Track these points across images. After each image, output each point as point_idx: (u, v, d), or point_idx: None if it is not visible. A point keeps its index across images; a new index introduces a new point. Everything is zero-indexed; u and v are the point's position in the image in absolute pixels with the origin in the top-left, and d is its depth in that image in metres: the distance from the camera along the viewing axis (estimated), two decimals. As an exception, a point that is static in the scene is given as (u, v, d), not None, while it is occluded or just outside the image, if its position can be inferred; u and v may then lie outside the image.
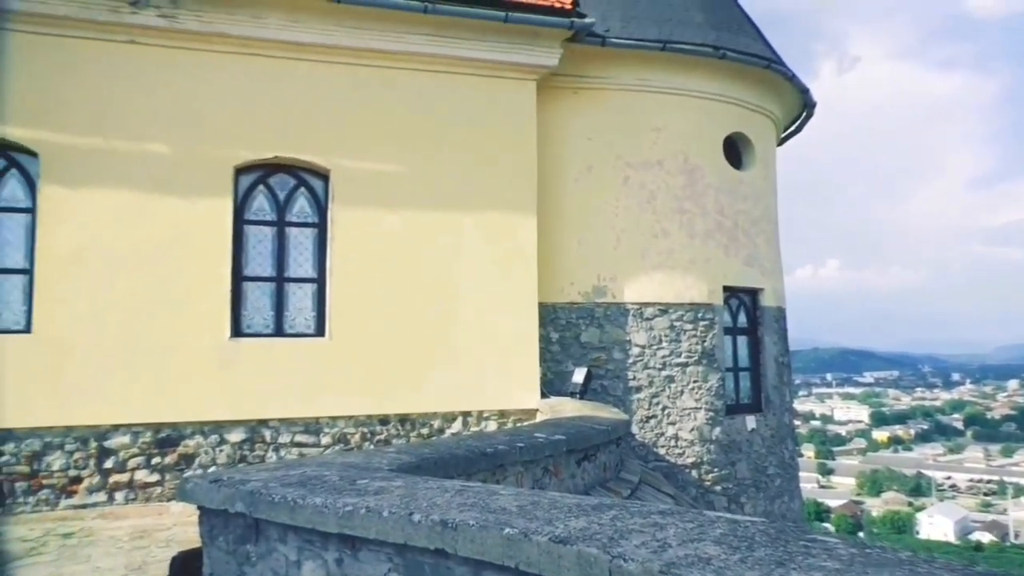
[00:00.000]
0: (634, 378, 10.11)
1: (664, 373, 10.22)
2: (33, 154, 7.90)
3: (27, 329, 7.71)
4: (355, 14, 8.64)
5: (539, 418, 8.67)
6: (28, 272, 7.82)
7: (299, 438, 8.31)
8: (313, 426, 8.37)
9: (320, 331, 8.60)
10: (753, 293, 11.39)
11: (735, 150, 11.44)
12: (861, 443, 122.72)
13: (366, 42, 8.82)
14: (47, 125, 7.89)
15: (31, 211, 7.91)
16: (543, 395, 9.21)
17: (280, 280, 8.61)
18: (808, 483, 77.46)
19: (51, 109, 7.91)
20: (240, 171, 8.49)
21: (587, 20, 9.37)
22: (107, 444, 7.70)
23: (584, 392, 9.24)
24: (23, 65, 7.90)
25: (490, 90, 9.29)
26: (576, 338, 10.01)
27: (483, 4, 8.90)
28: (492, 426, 8.95)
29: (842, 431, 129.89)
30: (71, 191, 7.86)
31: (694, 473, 10.22)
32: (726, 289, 10.89)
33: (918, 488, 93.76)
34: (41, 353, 7.61)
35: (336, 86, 8.78)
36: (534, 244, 9.24)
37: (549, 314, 9.91)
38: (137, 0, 8.12)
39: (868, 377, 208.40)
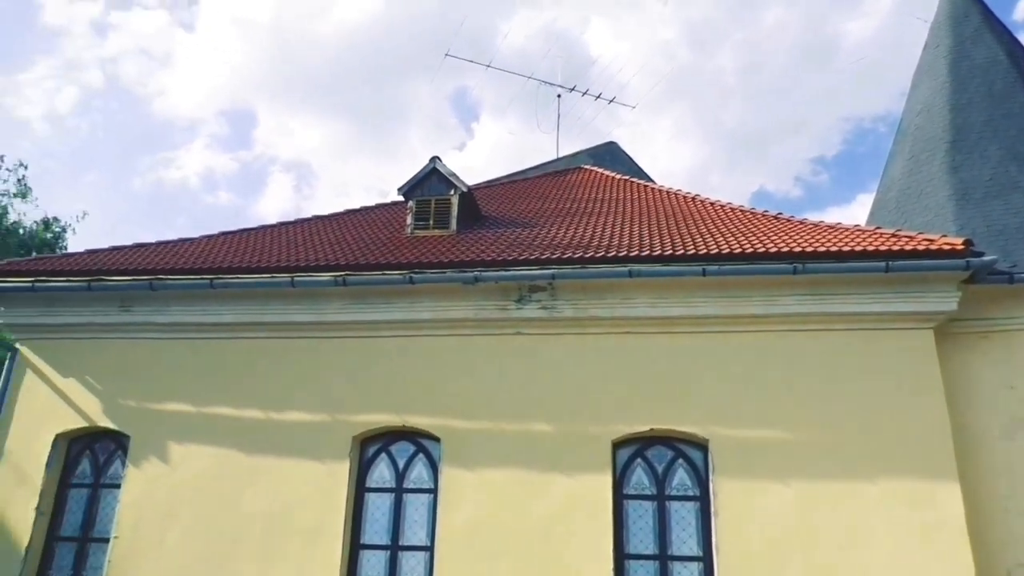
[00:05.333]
0: None
1: None
2: (436, 439, 8.71)
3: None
4: (722, 284, 8.66)
5: None
6: (429, 549, 8.30)
7: None
8: None
9: (711, 619, 7.69)
10: None
11: None
12: None
13: (734, 309, 8.70)
14: (447, 413, 8.75)
15: (433, 492, 8.57)
16: None
17: (663, 558, 8.04)
18: None
19: (450, 399, 8.80)
20: (617, 445, 8.46)
21: (986, 259, 8.35)
22: None
23: None
24: (428, 363, 9.04)
25: (878, 343, 8.44)
26: (1041, 640, 7.73)
27: (857, 257, 8.43)
28: None
29: None
30: (467, 472, 8.42)
31: None
32: None
33: None
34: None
35: (706, 355, 8.63)
36: (961, 515, 7.64)
37: (994, 607, 7.87)
38: (522, 297, 9.01)
39: None
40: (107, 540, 9.00)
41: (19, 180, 25.90)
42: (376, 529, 8.62)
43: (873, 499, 7.79)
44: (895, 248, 8.41)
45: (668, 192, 12.93)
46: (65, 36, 64.57)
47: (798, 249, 8.55)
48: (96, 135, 66.92)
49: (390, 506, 8.70)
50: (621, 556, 8.03)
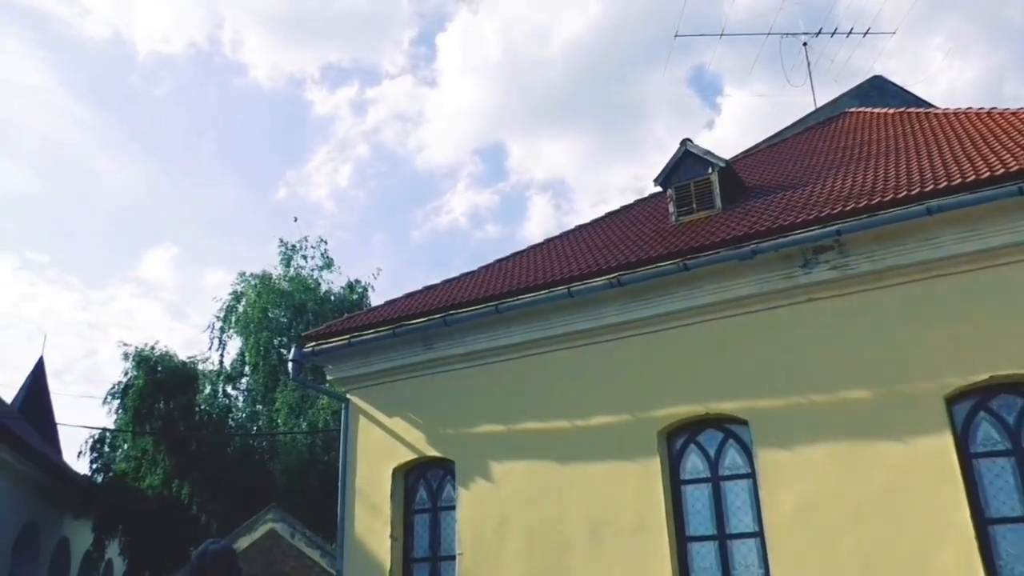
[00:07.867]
0: None
1: None
2: (743, 422, 8.36)
3: (766, 594, 7.63)
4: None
5: None
6: (758, 535, 7.97)
7: None
8: None
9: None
10: None
11: None
12: None
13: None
14: (749, 394, 8.37)
15: (751, 476, 8.23)
16: None
17: (1039, 519, 7.00)
18: None
19: (749, 379, 8.41)
20: (951, 400, 7.52)
21: None
22: None
23: None
24: (720, 346, 8.73)
25: None
26: None
27: None
28: None
29: None
30: (784, 450, 7.97)
31: None
32: None
33: None
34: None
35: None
36: None
37: None
38: (807, 261, 8.40)
39: None
40: (453, 557, 9.73)
41: (322, 254, 29.53)
42: (700, 520, 8.42)
43: None
44: None
45: (955, 114, 11.45)
46: (333, 122, 72.91)
47: None
48: (373, 200, 74.62)
49: (709, 496, 8.46)
50: (982, 522, 7.10)
